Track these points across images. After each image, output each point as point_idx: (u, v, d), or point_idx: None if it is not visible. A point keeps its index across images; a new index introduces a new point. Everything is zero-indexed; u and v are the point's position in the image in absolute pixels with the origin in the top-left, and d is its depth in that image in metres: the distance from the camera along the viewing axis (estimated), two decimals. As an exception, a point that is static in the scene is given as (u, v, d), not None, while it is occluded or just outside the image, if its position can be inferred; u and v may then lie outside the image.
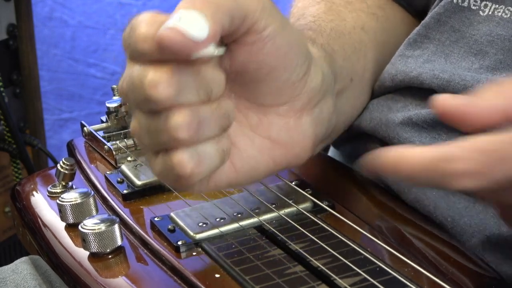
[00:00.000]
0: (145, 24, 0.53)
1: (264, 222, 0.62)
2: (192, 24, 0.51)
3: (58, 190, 0.73)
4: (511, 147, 0.49)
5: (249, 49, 0.56)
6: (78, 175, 0.77)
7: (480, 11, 0.68)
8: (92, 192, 0.67)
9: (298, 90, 0.60)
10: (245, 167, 0.59)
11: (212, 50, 0.53)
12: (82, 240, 0.61)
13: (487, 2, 0.68)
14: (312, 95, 0.61)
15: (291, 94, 0.60)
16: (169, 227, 0.63)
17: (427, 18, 0.73)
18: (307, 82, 0.60)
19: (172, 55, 0.51)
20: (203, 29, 0.51)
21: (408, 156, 0.50)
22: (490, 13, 0.67)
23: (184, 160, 0.54)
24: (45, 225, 0.70)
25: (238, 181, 0.59)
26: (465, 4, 0.69)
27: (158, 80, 0.52)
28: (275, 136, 0.60)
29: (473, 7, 0.69)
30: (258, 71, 0.58)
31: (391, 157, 0.50)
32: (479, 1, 0.68)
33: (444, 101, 0.51)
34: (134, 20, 0.54)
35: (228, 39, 0.56)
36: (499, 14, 0.67)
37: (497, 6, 0.67)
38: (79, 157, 0.80)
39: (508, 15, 0.67)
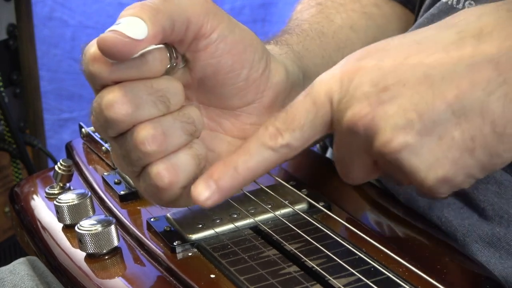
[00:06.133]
0: (93, 45, 0.55)
1: (260, 223, 0.63)
2: (130, 26, 0.53)
3: (56, 191, 0.74)
4: None
5: (203, 55, 0.58)
6: (76, 176, 0.77)
7: None
8: (89, 193, 0.67)
9: (262, 86, 0.61)
10: None
11: (152, 46, 0.55)
12: (79, 241, 0.61)
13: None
14: (278, 90, 0.63)
15: (256, 91, 0.61)
16: (165, 227, 0.63)
17: (420, 19, 0.73)
18: (269, 77, 0.62)
19: (114, 56, 0.53)
20: (143, 30, 0.54)
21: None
22: None
23: (160, 171, 0.56)
24: (42, 227, 0.70)
25: None
26: (460, 6, 0.69)
27: (113, 100, 0.55)
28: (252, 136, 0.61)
29: None
30: (217, 73, 0.59)
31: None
32: (474, 4, 0.68)
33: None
34: (87, 45, 0.56)
35: (182, 49, 0.58)
36: None
37: None
38: (77, 158, 0.80)
39: None
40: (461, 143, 0.53)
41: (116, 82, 0.56)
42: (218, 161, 0.60)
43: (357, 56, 0.57)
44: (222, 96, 0.61)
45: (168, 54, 0.57)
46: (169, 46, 0.57)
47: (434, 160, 0.53)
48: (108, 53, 0.53)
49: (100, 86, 0.56)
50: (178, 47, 0.58)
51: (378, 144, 0.54)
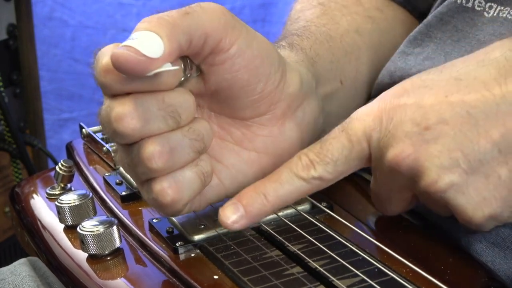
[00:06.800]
0: (106, 54, 0.53)
1: (263, 224, 0.62)
2: (146, 42, 0.52)
3: (57, 192, 0.73)
4: None
5: (220, 69, 0.57)
6: (77, 177, 0.77)
7: (485, 12, 0.68)
8: (91, 194, 0.67)
9: (276, 98, 0.60)
10: (234, 182, 0.60)
11: (169, 66, 0.53)
12: (81, 242, 0.61)
13: (492, 4, 0.68)
14: (291, 100, 0.62)
15: (270, 103, 0.60)
16: (168, 228, 0.63)
17: (429, 17, 0.73)
18: (284, 88, 0.61)
19: (127, 73, 0.52)
20: (158, 47, 0.52)
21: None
22: (495, 14, 0.67)
23: (163, 188, 0.55)
24: (43, 227, 0.70)
25: (228, 195, 0.61)
26: (469, 5, 0.69)
27: (122, 113, 0.53)
28: (261, 147, 0.61)
29: (477, 8, 0.69)
30: (233, 87, 0.58)
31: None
32: (483, 3, 0.68)
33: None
34: (99, 51, 0.55)
35: (198, 61, 0.57)
36: (504, 15, 0.67)
37: (502, 8, 0.67)
38: (77, 159, 0.80)
39: None
40: (509, 181, 0.53)
41: (127, 92, 0.54)
42: (226, 173, 0.60)
43: (394, 93, 0.57)
44: (235, 107, 0.60)
45: (183, 66, 0.56)
46: (184, 57, 0.56)
47: (481, 199, 0.54)
48: (121, 70, 0.52)
49: (111, 95, 0.55)
50: (194, 59, 0.56)
51: (424, 184, 0.54)
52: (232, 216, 0.57)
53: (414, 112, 0.55)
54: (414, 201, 0.59)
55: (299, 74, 0.63)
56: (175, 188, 0.56)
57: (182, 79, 0.56)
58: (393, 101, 0.56)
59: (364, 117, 0.57)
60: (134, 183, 0.70)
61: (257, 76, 0.58)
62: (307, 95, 0.64)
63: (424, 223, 0.63)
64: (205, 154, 0.58)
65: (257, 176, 0.61)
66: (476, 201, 0.54)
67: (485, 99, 0.53)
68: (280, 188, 0.58)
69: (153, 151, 0.54)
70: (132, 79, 0.53)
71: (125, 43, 0.52)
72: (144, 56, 0.51)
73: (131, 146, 0.55)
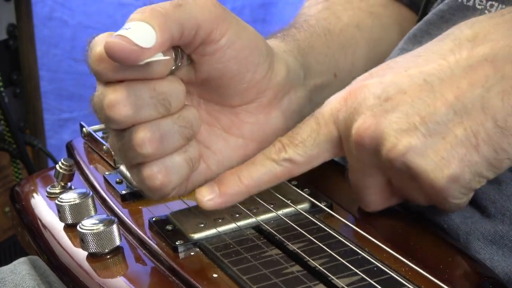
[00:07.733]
0: (100, 43, 0.55)
1: (262, 222, 0.63)
2: (139, 32, 0.53)
3: (57, 191, 0.74)
4: None
5: (210, 59, 0.59)
6: (77, 176, 0.77)
7: (486, 11, 0.68)
8: (91, 193, 0.67)
9: (263, 86, 0.62)
10: (220, 167, 0.62)
11: (160, 56, 0.55)
12: (81, 240, 0.61)
13: (493, 2, 0.68)
14: (278, 89, 0.64)
15: (257, 91, 0.62)
16: (167, 227, 0.63)
17: (429, 15, 0.73)
18: (271, 78, 0.63)
19: (120, 62, 0.54)
20: (151, 37, 0.54)
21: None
22: None
23: (153, 173, 0.58)
24: (44, 226, 0.70)
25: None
26: (470, 3, 0.69)
27: (115, 101, 0.55)
28: (248, 134, 0.63)
29: (478, 7, 0.69)
30: (222, 76, 0.60)
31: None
32: (484, 1, 0.68)
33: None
34: (93, 40, 0.57)
35: (189, 51, 0.58)
36: None
37: (504, 6, 0.67)
38: (78, 157, 0.80)
39: None
40: (465, 140, 0.54)
41: (120, 80, 0.56)
42: (213, 158, 0.62)
43: (361, 78, 0.59)
44: (224, 95, 0.61)
45: (174, 55, 0.57)
46: (176, 47, 0.57)
47: (440, 160, 0.54)
48: (115, 59, 0.53)
49: (104, 82, 0.56)
50: (185, 49, 0.58)
51: (385, 150, 0.55)
52: (207, 195, 0.60)
53: (376, 88, 0.57)
54: (393, 193, 0.60)
55: (286, 64, 0.65)
56: (164, 173, 0.58)
57: (173, 68, 0.58)
58: (358, 83, 0.58)
59: (332, 101, 0.60)
60: (134, 182, 0.70)
61: (246, 66, 0.60)
62: (294, 84, 0.66)
63: (423, 222, 0.63)
64: (193, 141, 0.60)
65: (242, 162, 0.63)
66: (435, 161, 0.54)
67: (440, 67, 0.55)
68: (253, 169, 0.60)
69: (143, 137, 0.56)
70: (125, 68, 0.55)
71: (118, 32, 0.53)
72: (136, 45, 0.53)
73: (122, 131, 0.57)
